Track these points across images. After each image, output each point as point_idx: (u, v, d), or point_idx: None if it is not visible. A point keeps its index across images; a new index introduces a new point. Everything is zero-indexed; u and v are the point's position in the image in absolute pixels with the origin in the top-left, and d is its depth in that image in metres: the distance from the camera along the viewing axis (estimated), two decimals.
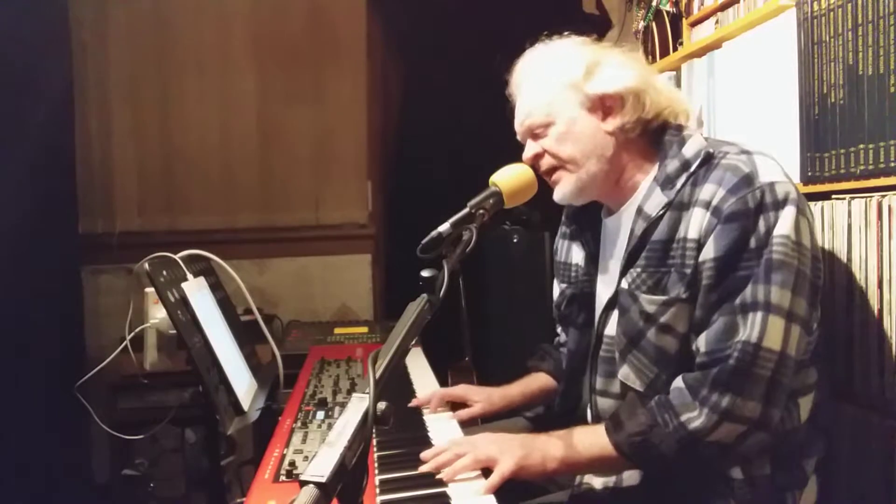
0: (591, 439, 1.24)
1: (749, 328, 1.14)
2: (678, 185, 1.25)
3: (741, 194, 1.16)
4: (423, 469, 1.23)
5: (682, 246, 1.22)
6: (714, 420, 1.14)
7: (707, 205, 1.19)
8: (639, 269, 1.28)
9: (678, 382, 1.20)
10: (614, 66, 1.32)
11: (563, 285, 1.57)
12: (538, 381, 1.68)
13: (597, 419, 1.39)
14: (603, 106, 1.32)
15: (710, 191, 1.20)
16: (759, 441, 1.18)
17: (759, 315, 1.14)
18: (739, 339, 1.14)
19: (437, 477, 1.21)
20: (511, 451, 1.22)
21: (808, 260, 1.17)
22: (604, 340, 1.38)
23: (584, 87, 1.32)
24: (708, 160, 1.25)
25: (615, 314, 1.34)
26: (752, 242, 1.16)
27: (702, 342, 1.19)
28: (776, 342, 1.14)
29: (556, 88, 1.34)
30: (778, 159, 1.25)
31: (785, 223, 1.15)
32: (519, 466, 1.21)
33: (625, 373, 1.30)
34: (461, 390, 1.65)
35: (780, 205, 1.16)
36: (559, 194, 1.38)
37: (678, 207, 1.24)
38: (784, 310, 1.14)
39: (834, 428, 1.36)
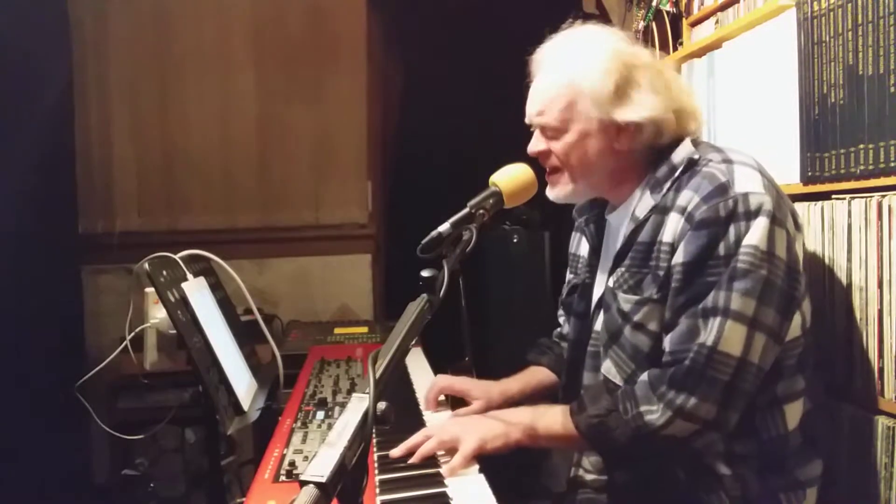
0: (555, 416, 1.28)
1: (707, 332, 1.16)
2: (664, 189, 1.28)
3: (713, 202, 1.18)
4: (392, 453, 1.28)
5: (660, 249, 1.25)
6: (668, 416, 1.18)
7: (683, 210, 1.22)
8: (623, 269, 1.32)
9: (644, 376, 1.24)
10: (645, 89, 1.29)
11: (571, 275, 1.62)
12: (537, 375, 1.69)
13: None
14: (620, 128, 1.31)
15: (686, 197, 1.22)
16: (711, 440, 1.22)
17: (718, 320, 1.16)
18: (697, 342, 1.17)
19: (409, 461, 1.25)
20: (473, 429, 1.27)
21: (781, 271, 1.18)
22: (591, 335, 1.41)
23: (608, 108, 1.29)
24: (691, 166, 1.27)
25: (603, 309, 1.38)
26: (721, 250, 1.17)
27: (667, 342, 1.23)
28: (735, 348, 1.16)
29: (578, 97, 1.31)
30: (765, 167, 1.26)
31: (755, 233, 1.16)
32: (482, 441, 1.25)
33: (607, 367, 1.34)
34: (462, 385, 1.65)
35: (751, 215, 1.17)
36: (551, 195, 1.41)
37: (661, 211, 1.27)
38: (746, 317, 1.16)
39: (831, 432, 1.36)
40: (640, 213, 1.30)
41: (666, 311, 1.23)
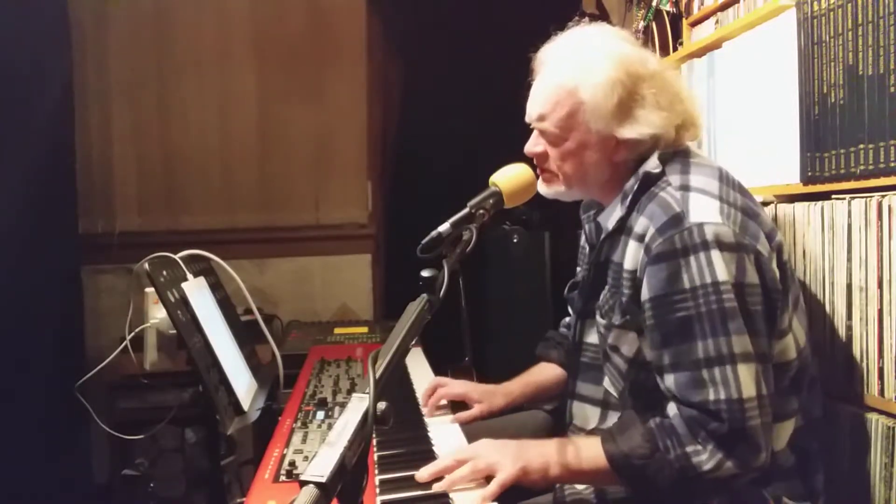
0: (594, 451, 1.20)
1: (722, 385, 1.13)
2: (627, 202, 1.28)
3: (668, 235, 1.17)
4: (419, 476, 1.20)
5: (622, 274, 1.25)
6: (718, 459, 1.13)
7: (640, 238, 1.22)
8: (606, 289, 1.32)
9: (675, 411, 1.18)
10: (649, 107, 1.26)
11: (578, 268, 1.62)
12: (542, 373, 1.67)
13: (570, 423, 1.43)
14: (618, 143, 1.30)
15: (642, 225, 1.22)
16: (753, 478, 1.18)
17: (728, 368, 1.13)
18: (721, 398, 1.13)
19: (436, 486, 1.18)
20: (512, 458, 1.20)
21: (758, 296, 1.17)
22: (584, 347, 1.41)
23: (610, 124, 1.27)
24: (648, 185, 1.26)
25: (589, 322, 1.39)
26: (686, 282, 1.15)
27: (672, 386, 1.18)
28: (752, 389, 1.14)
29: (580, 107, 1.28)
30: (729, 187, 1.24)
31: (721, 268, 1.14)
32: (522, 472, 1.19)
33: (606, 381, 1.35)
34: (461, 388, 1.64)
35: (708, 245, 1.15)
36: (542, 190, 1.41)
37: (627, 232, 1.26)
38: (749, 354, 1.14)
39: (829, 443, 1.36)
40: (611, 223, 1.31)
41: (648, 348, 1.23)
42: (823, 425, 1.33)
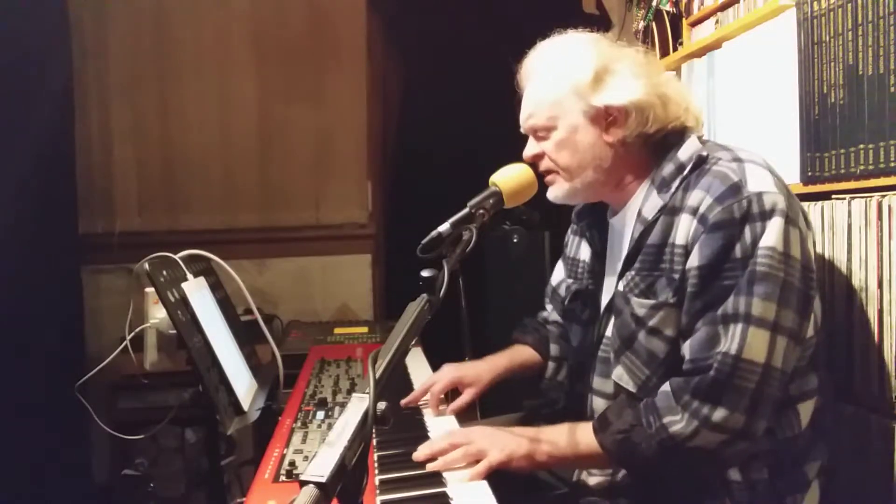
0: (580, 436, 1.26)
1: (729, 340, 1.14)
2: (673, 188, 1.26)
3: (727, 203, 1.16)
4: (416, 455, 1.25)
5: (672, 251, 1.23)
6: (694, 426, 1.15)
7: (694, 211, 1.20)
8: (633, 273, 1.30)
9: (665, 386, 1.21)
10: (624, 75, 1.29)
11: (570, 280, 1.60)
12: (522, 354, 1.70)
13: (591, 417, 1.40)
14: (606, 117, 1.31)
15: (697, 197, 1.21)
16: (742, 450, 1.18)
17: (740, 327, 1.14)
18: (720, 351, 1.14)
19: (430, 466, 1.22)
20: (501, 443, 1.24)
21: (797, 271, 1.16)
22: (602, 341, 1.40)
23: (590, 96, 1.30)
24: (700, 164, 1.25)
25: (605, 317, 1.37)
26: (738, 252, 1.15)
27: (686, 349, 1.20)
28: (759, 354, 1.13)
29: (562, 92, 1.32)
30: (773, 166, 1.24)
31: (771, 234, 1.14)
32: (508, 458, 1.23)
33: (618, 373, 1.32)
34: (451, 376, 1.63)
35: (766, 215, 1.15)
36: (551, 195, 1.41)
37: (671, 212, 1.25)
38: (768, 321, 1.14)
39: (835, 429, 1.36)
40: (649, 213, 1.28)
41: (683, 315, 1.21)
42: (834, 408, 1.33)
